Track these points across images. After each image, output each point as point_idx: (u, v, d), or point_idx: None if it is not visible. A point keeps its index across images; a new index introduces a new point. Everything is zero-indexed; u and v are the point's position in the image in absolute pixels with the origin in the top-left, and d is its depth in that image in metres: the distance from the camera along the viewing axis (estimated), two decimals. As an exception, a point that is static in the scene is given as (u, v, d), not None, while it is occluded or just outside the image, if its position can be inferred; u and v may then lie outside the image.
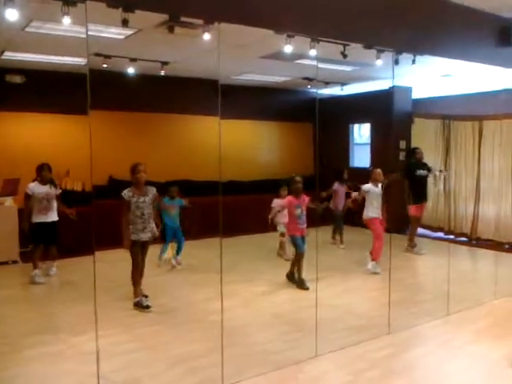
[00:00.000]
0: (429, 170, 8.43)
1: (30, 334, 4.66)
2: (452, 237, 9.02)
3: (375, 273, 6.86)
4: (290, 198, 6.42)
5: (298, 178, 6.41)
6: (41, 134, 8.63)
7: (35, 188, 6.51)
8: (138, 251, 5.48)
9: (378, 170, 7.16)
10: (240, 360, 4.10)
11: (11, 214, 7.41)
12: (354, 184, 8.29)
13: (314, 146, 11.15)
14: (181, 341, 4.54)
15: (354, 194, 7.40)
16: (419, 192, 8.33)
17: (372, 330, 4.75)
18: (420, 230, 8.93)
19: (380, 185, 7.10)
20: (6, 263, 7.29)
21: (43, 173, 6.52)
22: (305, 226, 6.35)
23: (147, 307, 5.34)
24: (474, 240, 9.27)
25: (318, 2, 4.63)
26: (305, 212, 6.35)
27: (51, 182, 6.63)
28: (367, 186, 7.10)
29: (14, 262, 7.38)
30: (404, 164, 8.93)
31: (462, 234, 9.45)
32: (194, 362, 4.05)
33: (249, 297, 5.90)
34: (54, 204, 6.64)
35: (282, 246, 7.86)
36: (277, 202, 7.44)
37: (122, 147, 9.09)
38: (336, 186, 8.64)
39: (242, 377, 3.77)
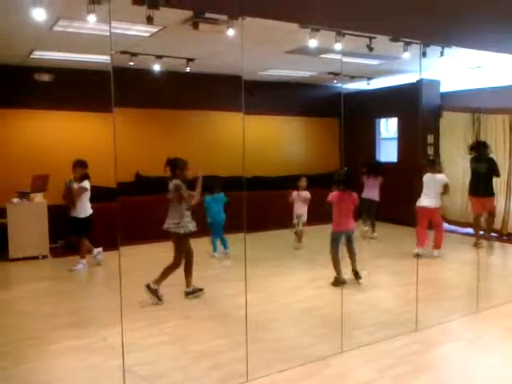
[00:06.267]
0: (490, 164, 8.08)
1: (58, 327, 4.76)
2: (482, 232, 8.82)
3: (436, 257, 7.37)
4: (336, 193, 6.06)
5: (340, 173, 6.27)
6: (68, 132, 8.74)
7: (70, 183, 6.79)
8: (186, 246, 5.50)
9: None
10: (265, 355, 4.09)
11: (41, 210, 7.57)
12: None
13: (340, 140, 11.06)
14: (207, 335, 4.56)
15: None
16: (473, 185, 8.30)
17: (399, 326, 4.69)
18: (448, 226, 8.76)
19: (442, 175, 7.44)
20: (36, 258, 7.46)
21: (73, 170, 6.76)
22: (344, 221, 5.97)
23: (160, 299, 5.35)
24: (505, 236, 9.07)
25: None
26: (350, 208, 6.04)
27: (81, 179, 6.77)
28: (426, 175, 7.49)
29: (44, 256, 7.54)
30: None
31: (493, 230, 9.23)
32: (219, 357, 4.07)
33: (275, 292, 5.90)
34: (83, 199, 6.79)
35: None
36: (293, 194, 7.99)
37: (148, 144, 9.18)
38: (364, 177, 8.83)
39: (267, 372, 3.77)
